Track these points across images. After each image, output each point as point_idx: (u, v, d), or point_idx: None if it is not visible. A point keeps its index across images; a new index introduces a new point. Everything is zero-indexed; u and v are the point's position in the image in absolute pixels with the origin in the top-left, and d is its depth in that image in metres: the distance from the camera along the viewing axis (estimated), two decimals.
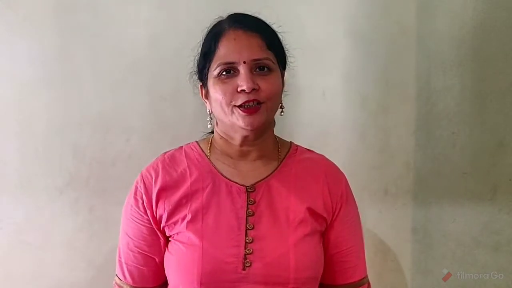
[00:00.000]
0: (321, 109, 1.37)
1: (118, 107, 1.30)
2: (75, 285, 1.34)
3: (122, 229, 1.09)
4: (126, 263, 1.07)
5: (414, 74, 1.37)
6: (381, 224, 1.41)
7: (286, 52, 1.09)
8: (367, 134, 1.38)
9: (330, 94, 1.36)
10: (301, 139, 1.35)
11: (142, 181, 1.07)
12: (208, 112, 1.09)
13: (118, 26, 1.29)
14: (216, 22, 1.06)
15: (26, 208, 1.28)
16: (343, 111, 1.37)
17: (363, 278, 1.14)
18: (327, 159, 1.15)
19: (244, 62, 0.99)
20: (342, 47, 1.35)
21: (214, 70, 1.01)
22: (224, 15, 1.04)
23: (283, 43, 1.08)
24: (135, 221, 1.07)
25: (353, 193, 1.38)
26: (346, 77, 1.36)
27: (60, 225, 1.32)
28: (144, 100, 1.32)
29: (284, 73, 1.09)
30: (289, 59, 1.10)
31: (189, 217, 1.03)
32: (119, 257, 1.08)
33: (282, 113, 1.09)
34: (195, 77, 1.10)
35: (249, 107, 0.98)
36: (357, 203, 1.38)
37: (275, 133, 1.11)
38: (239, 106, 0.99)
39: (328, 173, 1.11)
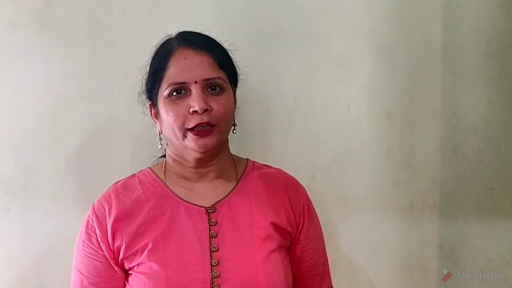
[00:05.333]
0: (346, 124, 1.37)
1: (148, 122, 1.33)
2: None
3: (74, 267, 1.05)
4: None
5: (439, 89, 1.37)
6: (407, 240, 1.40)
7: (237, 69, 1.08)
8: (392, 149, 1.38)
9: (355, 108, 1.36)
10: (325, 154, 1.37)
11: (94, 214, 1.03)
12: (158, 132, 1.07)
13: (148, 42, 1.32)
14: (164, 41, 1.05)
15: (57, 219, 1.30)
16: (368, 126, 1.37)
17: None
18: (285, 172, 1.14)
19: (196, 82, 0.97)
20: (367, 62, 1.36)
21: (164, 91, 0.99)
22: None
23: (234, 60, 1.06)
24: (88, 257, 1.03)
25: (378, 208, 1.39)
26: (371, 92, 1.37)
27: None
28: None
29: (236, 90, 1.09)
30: (240, 77, 1.09)
31: (149, 246, 0.99)
32: None
33: (234, 131, 1.07)
34: (144, 96, 1.09)
35: (202, 130, 0.97)
36: (382, 218, 1.39)
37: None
38: (191, 129, 0.97)
39: (287, 186, 1.10)
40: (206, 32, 1.07)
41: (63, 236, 1.32)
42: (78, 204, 1.32)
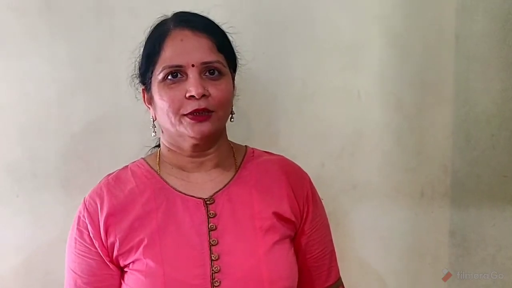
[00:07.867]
0: (356, 110, 1.35)
1: None
2: None
3: (67, 266, 1.00)
4: None
5: (452, 75, 1.34)
6: (417, 228, 1.38)
7: (237, 54, 1.02)
8: (403, 136, 1.36)
9: (365, 95, 1.34)
10: (334, 141, 1.35)
11: (85, 209, 0.99)
12: (152, 119, 1.02)
13: None
14: (159, 22, 0.99)
15: (65, 206, 1.30)
16: (379, 112, 1.35)
17: (337, 280, 1.09)
18: (287, 159, 1.09)
19: (193, 66, 0.91)
20: (377, 48, 1.33)
21: (159, 74, 0.94)
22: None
23: (233, 44, 1.01)
24: (81, 255, 0.98)
25: (388, 196, 1.37)
26: (381, 78, 1.34)
27: None
28: None
29: (235, 76, 1.03)
30: (240, 62, 1.04)
31: (145, 242, 0.95)
32: None
33: (232, 119, 1.02)
34: (137, 80, 1.04)
35: (199, 115, 0.91)
36: (392, 205, 1.37)
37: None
38: (188, 114, 0.91)
39: (289, 174, 1.05)
40: (205, 14, 1.02)
41: (71, 223, 1.31)
42: (86, 191, 1.30)
